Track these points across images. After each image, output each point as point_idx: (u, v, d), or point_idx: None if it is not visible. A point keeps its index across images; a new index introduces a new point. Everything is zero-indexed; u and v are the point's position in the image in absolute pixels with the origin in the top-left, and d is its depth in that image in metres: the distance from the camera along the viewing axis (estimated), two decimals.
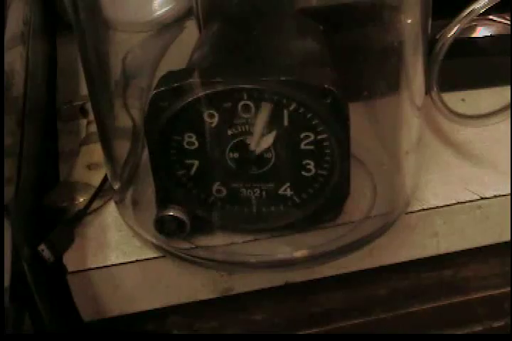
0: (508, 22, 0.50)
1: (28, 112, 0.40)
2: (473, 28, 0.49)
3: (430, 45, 0.38)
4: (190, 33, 0.40)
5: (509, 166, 0.40)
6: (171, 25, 0.43)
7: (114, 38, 0.40)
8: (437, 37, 0.39)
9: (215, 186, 0.34)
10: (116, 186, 0.38)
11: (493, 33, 0.50)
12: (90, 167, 0.40)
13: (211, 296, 0.38)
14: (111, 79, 0.38)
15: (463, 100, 0.47)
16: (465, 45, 0.48)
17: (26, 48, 0.44)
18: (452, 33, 0.39)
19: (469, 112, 0.40)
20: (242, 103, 0.32)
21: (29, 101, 0.41)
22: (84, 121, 0.46)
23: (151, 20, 0.44)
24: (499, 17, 0.50)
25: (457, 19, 0.39)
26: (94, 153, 0.41)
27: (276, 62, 0.34)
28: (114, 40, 0.40)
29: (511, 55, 0.45)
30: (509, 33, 0.50)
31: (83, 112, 0.46)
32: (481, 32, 0.50)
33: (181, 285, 0.37)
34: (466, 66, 0.48)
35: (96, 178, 0.39)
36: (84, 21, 0.34)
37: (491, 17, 0.50)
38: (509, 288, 0.43)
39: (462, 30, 0.39)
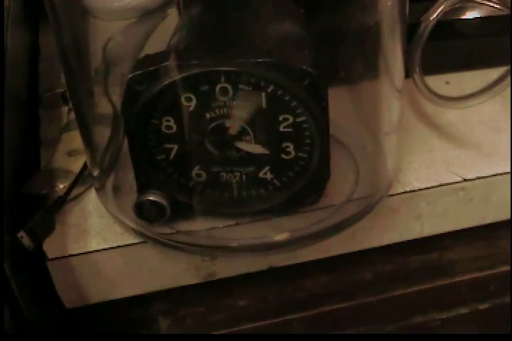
0: (493, 4, 0.50)
1: (9, 100, 0.40)
2: (457, 10, 0.49)
3: (413, 27, 0.38)
4: (172, 21, 0.39)
5: (492, 148, 0.40)
6: (152, 13, 0.43)
7: (93, 26, 0.40)
8: (421, 19, 0.39)
9: (195, 170, 0.34)
10: (96, 173, 0.37)
11: (478, 15, 0.49)
12: (71, 154, 0.40)
13: (194, 282, 0.37)
14: (90, 67, 0.38)
15: (447, 83, 0.47)
16: (449, 27, 0.48)
17: (5, 36, 0.44)
18: (435, 15, 0.38)
19: (454, 95, 0.40)
20: (219, 86, 0.31)
21: (9, 89, 0.41)
22: (66, 109, 0.45)
23: (131, 7, 0.44)
24: None
25: (440, 1, 0.39)
26: (75, 140, 0.41)
27: (255, 44, 0.34)
28: (94, 28, 0.40)
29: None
30: (493, 14, 0.49)
31: (65, 99, 0.46)
32: (466, 14, 0.49)
33: (163, 271, 0.37)
34: (450, 48, 0.48)
35: (77, 165, 0.39)
36: (60, 9, 0.34)
37: None
38: (494, 271, 0.44)
39: (446, 13, 0.39)
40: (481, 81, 0.39)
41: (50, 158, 0.40)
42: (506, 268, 0.44)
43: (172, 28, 0.37)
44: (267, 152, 0.33)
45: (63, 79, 0.48)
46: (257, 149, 0.33)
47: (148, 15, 0.43)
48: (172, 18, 0.39)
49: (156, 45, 0.39)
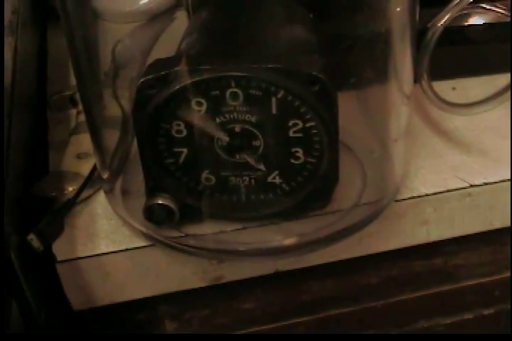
0: (500, 10, 0.50)
1: (17, 102, 0.40)
2: (464, 17, 0.49)
3: (421, 33, 0.38)
4: (181, 24, 0.40)
5: (499, 154, 0.40)
6: (161, 16, 0.43)
7: (103, 29, 0.40)
8: (428, 25, 0.39)
9: (204, 174, 0.34)
10: (106, 175, 0.38)
11: (484, 22, 0.50)
12: (80, 156, 0.40)
13: (201, 285, 0.38)
14: (100, 70, 0.38)
15: (453, 88, 0.47)
16: (456, 33, 0.48)
17: (15, 38, 0.44)
18: (443, 21, 0.39)
19: (460, 101, 0.40)
20: (230, 90, 0.32)
21: (18, 91, 0.41)
22: (74, 111, 0.45)
23: (140, 10, 0.44)
24: (491, 5, 0.50)
25: (448, 7, 0.39)
26: (84, 143, 0.41)
27: (265, 49, 0.34)
28: (104, 31, 0.40)
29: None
30: (501, 21, 0.50)
31: (73, 102, 0.46)
32: (473, 20, 0.50)
33: (171, 274, 0.37)
34: (457, 54, 0.48)
35: (85, 168, 0.39)
36: (72, 12, 0.34)
37: (482, 5, 0.50)
38: (499, 276, 0.44)
39: (453, 19, 0.39)
40: (487, 87, 0.40)
41: (59, 161, 0.40)
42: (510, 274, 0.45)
43: (180, 31, 0.38)
44: (264, 169, 0.33)
45: (71, 82, 0.49)
46: (257, 164, 0.33)
47: (157, 18, 0.43)
48: (180, 21, 0.40)
49: (164, 48, 0.40)
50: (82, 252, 0.35)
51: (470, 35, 0.49)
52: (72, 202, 0.37)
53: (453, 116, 0.42)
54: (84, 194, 0.38)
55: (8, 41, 0.42)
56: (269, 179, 0.34)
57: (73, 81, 0.48)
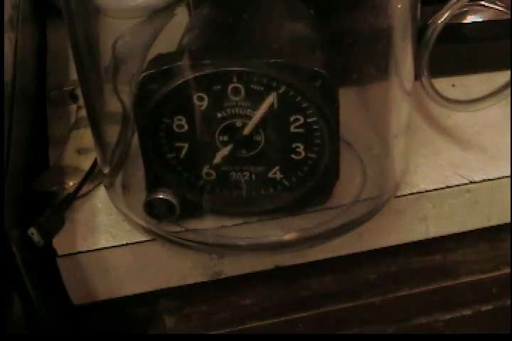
0: (500, 8, 0.50)
1: (18, 97, 0.40)
2: (464, 14, 0.49)
3: (421, 30, 0.38)
4: (181, 19, 0.40)
5: (498, 150, 0.41)
6: (161, 11, 0.43)
7: (104, 24, 0.40)
8: (428, 22, 0.39)
9: (205, 169, 0.34)
10: (106, 170, 0.38)
11: (484, 19, 0.50)
12: (80, 151, 0.40)
13: (201, 280, 0.38)
14: (101, 65, 0.38)
15: (453, 85, 0.47)
16: (456, 30, 0.48)
17: (15, 33, 0.44)
18: (443, 18, 0.39)
19: (460, 97, 0.41)
20: (231, 86, 0.32)
21: (18, 86, 0.41)
22: (74, 106, 0.45)
23: (141, 5, 0.44)
24: (491, 3, 0.50)
25: (448, 5, 0.39)
26: (84, 138, 0.41)
27: (267, 44, 0.34)
28: (105, 26, 0.40)
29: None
30: (500, 18, 0.50)
31: (73, 97, 0.46)
32: (473, 18, 0.50)
33: (171, 269, 0.37)
34: (456, 51, 0.48)
35: (86, 163, 0.39)
36: (74, 7, 0.34)
37: (482, 3, 0.50)
38: (497, 272, 0.44)
39: (453, 16, 0.39)
40: (487, 84, 0.40)
41: (60, 156, 0.40)
42: (509, 270, 0.45)
43: (181, 27, 0.38)
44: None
45: (71, 77, 0.49)
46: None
47: (158, 13, 0.43)
48: (180, 16, 0.40)
49: (165, 43, 0.40)
50: (82, 247, 0.35)
51: (470, 32, 0.49)
52: (73, 197, 0.37)
53: (453, 112, 0.43)
54: (85, 189, 0.38)
55: (9, 36, 0.42)
56: (270, 174, 0.34)
57: (73, 76, 0.49)
